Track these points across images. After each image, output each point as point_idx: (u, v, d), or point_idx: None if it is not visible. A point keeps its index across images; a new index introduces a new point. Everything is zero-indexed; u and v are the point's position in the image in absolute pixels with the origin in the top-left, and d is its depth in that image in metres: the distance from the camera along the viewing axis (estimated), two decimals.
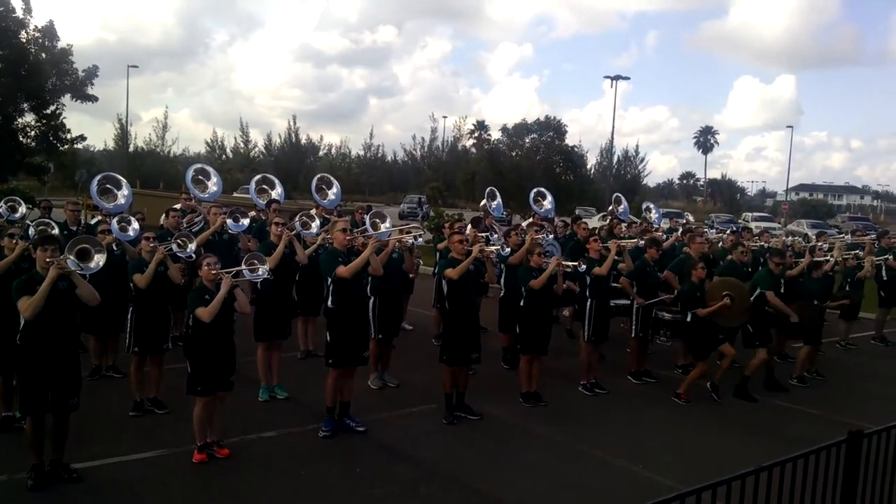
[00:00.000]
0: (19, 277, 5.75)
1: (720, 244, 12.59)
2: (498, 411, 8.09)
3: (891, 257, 12.70)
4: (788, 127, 72.11)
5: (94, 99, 24.56)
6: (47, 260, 5.62)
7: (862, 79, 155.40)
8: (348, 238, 7.37)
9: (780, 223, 48.27)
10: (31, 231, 8.54)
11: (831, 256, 11.13)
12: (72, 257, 5.73)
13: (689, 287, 8.94)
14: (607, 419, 8.25)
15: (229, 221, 9.43)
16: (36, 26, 23.37)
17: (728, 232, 14.55)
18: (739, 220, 44.63)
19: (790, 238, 14.73)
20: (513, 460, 6.91)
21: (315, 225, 9.08)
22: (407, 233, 8.45)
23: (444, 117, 79.76)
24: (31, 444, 5.75)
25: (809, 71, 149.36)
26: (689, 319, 8.87)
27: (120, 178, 10.30)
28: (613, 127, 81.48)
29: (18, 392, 5.98)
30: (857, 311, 12.27)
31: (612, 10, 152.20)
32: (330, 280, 7.18)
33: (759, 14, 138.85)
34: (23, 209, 10.02)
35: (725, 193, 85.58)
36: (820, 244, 12.72)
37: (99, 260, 5.91)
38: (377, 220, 8.01)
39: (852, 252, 12.20)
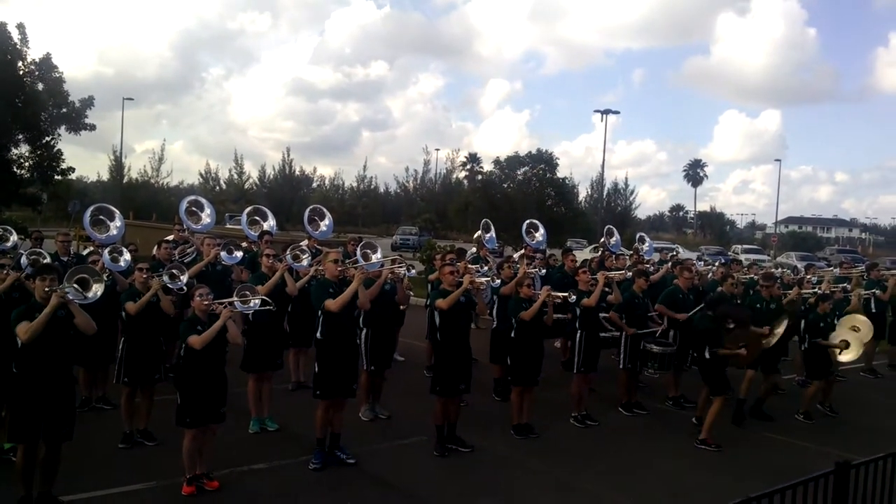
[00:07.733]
0: (19, 308, 5.75)
1: (710, 276, 12.66)
2: (489, 443, 8.08)
3: (878, 291, 12.82)
4: (776, 160, 72.72)
5: (91, 127, 24.50)
6: (46, 289, 5.65)
7: (843, 114, 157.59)
8: (339, 269, 7.40)
9: (769, 255, 48.59)
10: (24, 261, 8.53)
11: (820, 289, 11.19)
12: (72, 287, 5.76)
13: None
14: (598, 451, 8.24)
15: (223, 254, 9.47)
16: (34, 59, 23.51)
17: (717, 264, 14.64)
18: (729, 252, 44.86)
19: (779, 270, 14.82)
20: (504, 493, 6.89)
21: (306, 258, 9.13)
22: (398, 265, 8.49)
23: (437, 150, 79.44)
24: (21, 474, 5.71)
25: (793, 106, 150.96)
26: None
27: (113, 209, 10.29)
28: (604, 160, 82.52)
29: (7, 421, 5.94)
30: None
31: (599, 48, 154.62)
32: (320, 311, 7.21)
33: (741, 51, 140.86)
34: (14, 238, 9.96)
35: (715, 226, 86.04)
36: (809, 276, 12.84)
37: (97, 290, 5.96)
38: (368, 251, 8.06)
39: (840, 285, 12.29)
